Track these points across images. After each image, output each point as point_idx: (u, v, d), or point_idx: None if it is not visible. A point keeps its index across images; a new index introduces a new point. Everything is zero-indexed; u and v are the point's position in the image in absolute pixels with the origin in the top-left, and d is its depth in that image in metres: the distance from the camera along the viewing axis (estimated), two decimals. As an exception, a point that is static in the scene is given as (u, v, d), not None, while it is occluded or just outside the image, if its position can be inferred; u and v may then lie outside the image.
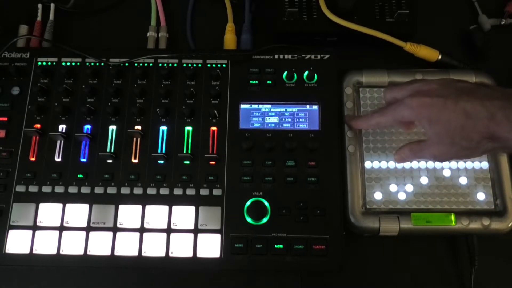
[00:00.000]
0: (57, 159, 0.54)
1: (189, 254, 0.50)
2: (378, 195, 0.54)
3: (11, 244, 0.51)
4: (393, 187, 0.54)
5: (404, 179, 0.55)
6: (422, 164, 0.55)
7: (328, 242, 0.50)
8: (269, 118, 0.55)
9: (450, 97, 0.44)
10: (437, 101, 0.45)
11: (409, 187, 0.54)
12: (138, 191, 0.52)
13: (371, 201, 0.54)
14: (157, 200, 0.52)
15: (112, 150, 0.54)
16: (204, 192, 0.52)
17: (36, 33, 0.62)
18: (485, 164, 0.55)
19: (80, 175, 0.53)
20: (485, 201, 0.54)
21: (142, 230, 0.51)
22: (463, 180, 0.54)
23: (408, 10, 0.59)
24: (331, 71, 0.57)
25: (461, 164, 0.55)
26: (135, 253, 0.50)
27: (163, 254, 0.50)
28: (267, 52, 0.57)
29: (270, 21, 0.62)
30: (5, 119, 0.55)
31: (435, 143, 0.47)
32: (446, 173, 0.55)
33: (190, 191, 0.52)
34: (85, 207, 0.52)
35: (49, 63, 0.57)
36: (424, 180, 0.54)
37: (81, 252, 0.50)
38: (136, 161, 0.54)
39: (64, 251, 0.50)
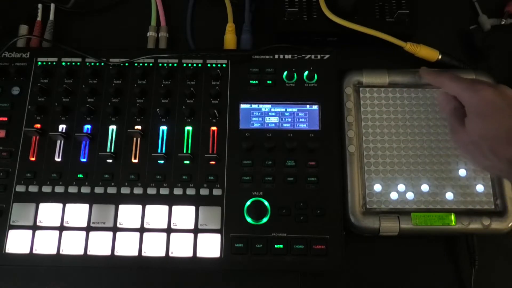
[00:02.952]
0: (57, 159, 0.54)
1: (189, 254, 0.50)
2: (378, 195, 0.54)
3: (11, 244, 0.51)
4: (393, 187, 0.54)
5: (404, 179, 0.55)
6: (422, 164, 0.55)
7: (328, 242, 0.50)
8: (269, 118, 0.55)
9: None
10: (501, 102, 0.46)
11: (410, 187, 0.54)
12: (138, 191, 0.52)
13: (371, 201, 0.54)
14: (157, 200, 0.52)
15: (112, 150, 0.54)
16: (204, 192, 0.52)
17: (36, 33, 0.62)
18: (485, 164, 0.55)
19: (80, 175, 0.53)
20: (485, 201, 0.54)
21: (142, 230, 0.51)
22: (463, 180, 0.54)
23: (408, 10, 0.59)
24: (331, 71, 0.57)
25: (461, 164, 0.55)
26: (135, 253, 0.50)
27: (163, 254, 0.50)
28: (267, 52, 0.57)
29: (270, 21, 0.62)
30: (5, 119, 0.55)
31: (465, 132, 0.48)
32: (447, 173, 0.55)
33: (190, 191, 0.52)
34: (85, 207, 0.52)
35: (49, 63, 0.57)
36: (424, 179, 0.54)
37: (81, 252, 0.50)
38: (136, 161, 0.54)
39: (64, 251, 0.50)
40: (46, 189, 0.52)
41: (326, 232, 0.51)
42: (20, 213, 0.52)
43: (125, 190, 0.52)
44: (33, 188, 0.52)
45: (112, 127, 0.55)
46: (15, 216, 0.52)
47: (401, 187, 0.54)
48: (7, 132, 0.54)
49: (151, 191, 0.52)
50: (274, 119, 0.55)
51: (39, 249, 0.50)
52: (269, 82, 0.56)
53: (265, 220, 0.51)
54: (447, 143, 0.56)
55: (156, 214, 0.51)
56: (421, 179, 0.54)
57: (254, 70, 0.56)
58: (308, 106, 0.55)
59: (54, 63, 0.57)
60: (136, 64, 0.57)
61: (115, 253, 0.50)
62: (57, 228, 0.51)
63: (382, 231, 0.52)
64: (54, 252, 0.50)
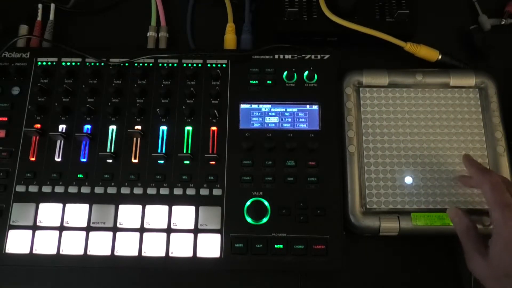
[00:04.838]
0: (57, 159, 0.54)
1: (189, 254, 0.50)
2: (378, 195, 0.54)
3: (11, 244, 0.51)
4: (393, 187, 0.54)
5: (404, 179, 0.54)
6: (423, 164, 0.55)
7: (328, 242, 0.50)
8: (269, 118, 0.55)
9: None
10: None
11: (410, 187, 0.54)
12: (138, 191, 0.52)
13: (371, 201, 0.54)
14: (157, 200, 0.52)
15: (112, 150, 0.54)
16: (204, 192, 0.52)
17: (36, 33, 0.62)
18: (485, 164, 0.55)
19: (80, 175, 0.53)
20: (485, 201, 0.53)
21: (142, 230, 0.51)
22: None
23: (408, 10, 0.59)
24: (331, 71, 0.57)
25: (461, 164, 0.55)
26: (135, 253, 0.50)
27: (163, 254, 0.50)
28: (267, 52, 0.57)
29: (270, 21, 0.62)
30: (5, 119, 0.55)
31: (487, 265, 0.42)
32: (447, 173, 0.55)
33: (190, 191, 0.52)
34: (85, 207, 0.52)
35: (49, 63, 0.57)
36: (424, 179, 0.54)
37: (81, 252, 0.50)
38: (136, 161, 0.54)
39: (64, 251, 0.50)
40: (46, 189, 0.52)
41: (326, 232, 0.51)
42: (20, 213, 0.52)
43: (125, 190, 0.52)
44: (33, 188, 0.52)
45: (112, 127, 0.55)
46: (15, 216, 0.52)
47: (401, 187, 0.54)
48: (7, 132, 0.54)
49: (151, 191, 0.52)
50: (274, 119, 0.55)
51: (39, 249, 0.50)
52: (269, 82, 0.56)
53: (265, 220, 0.51)
54: (447, 143, 0.56)
55: (156, 214, 0.51)
56: (421, 179, 0.54)
57: (254, 70, 0.56)
58: (308, 106, 0.55)
59: (54, 63, 0.57)
60: (136, 64, 0.57)
61: (115, 253, 0.50)
62: (57, 228, 0.51)
63: (382, 231, 0.52)
64: (54, 252, 0.50)
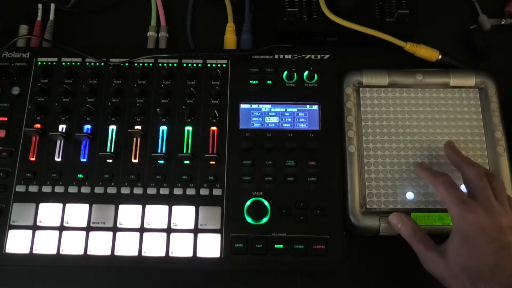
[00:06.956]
0: (57, 159, 0.54)
1: (189, 254, 0.50)
2: (378, 195, 0.54)
3: (11, 244, 0.51)
4: (393, 187, 0.54)
5: (404, 179, 0.54)
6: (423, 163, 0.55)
7: (328, 242, 0.50)
8: (269, 118, 0.55)
9: (501, 241, 0.42)
10: (492, 231, 0.42)
11: (410, 187, 0.54)
12: (138, 191, 0.52)
13: (371, 201, 0.54)
14: (157, 200, 0.52)
15: (112, 150, 0.54)
16: (204, 192, 0.52)
17: (36, 33, 0.62)
18: (485, 164, 0.55)
19: (80, 175, 0.53)
20: (485, 201, 0.54)
21: (142, 230, 0.51)
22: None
23: (408, 10, 0.59)
24: (331, 71, 0.57)
25: (461, 164, 0.55)
26: (135, 253, 0.50)
27: (163, 254, 0.50)
28: (267, 52, 0.57)
29: (270, 21, 0.62)
30: (5, 119, 0.55)
31: (444, 263, 0.44)
32: (446, 173, 0.54)
33: (190, 191, 0.52)
34: (85, 207, 0.52)
35: (49, 63, 0.57)
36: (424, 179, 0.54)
37: (81, 252, 0.50)
38: (136, 161, 0.54)
39: (64, 251, 0.50)
40: (46, 189, 0.52)
41: (326, 232, 0.51)
42: (20, 213, 0.52)
43: (125, 190, 0.52)
44: (33, 188, 0.52)
45: (112, 127, 0.55)
46: (15, 216, 0.52)
47: (401, 187, 0.54)
48: (7, 132, 0.54)
49: (151, 191, 0.52)
50: (274, 119, 0.55)
51: (39, 249, 0.50)
52: (269, 82, 0.56)
53: (265, 220, 0.51)
54: (447, 143, 0.56)
55: (156, 214, 0.51)
56: (421, 179, 0.54)
57: (254, 70, 0.56)
58: (308, 106, 0.55)
59: (54, 63, 0.57)
60: (136, 64, 0.57)
61: (115, 253, 0.50)
62: (57, 228, 0.51)
63: (382, 231, 0.52)
64: (54, 252, 0.50)
